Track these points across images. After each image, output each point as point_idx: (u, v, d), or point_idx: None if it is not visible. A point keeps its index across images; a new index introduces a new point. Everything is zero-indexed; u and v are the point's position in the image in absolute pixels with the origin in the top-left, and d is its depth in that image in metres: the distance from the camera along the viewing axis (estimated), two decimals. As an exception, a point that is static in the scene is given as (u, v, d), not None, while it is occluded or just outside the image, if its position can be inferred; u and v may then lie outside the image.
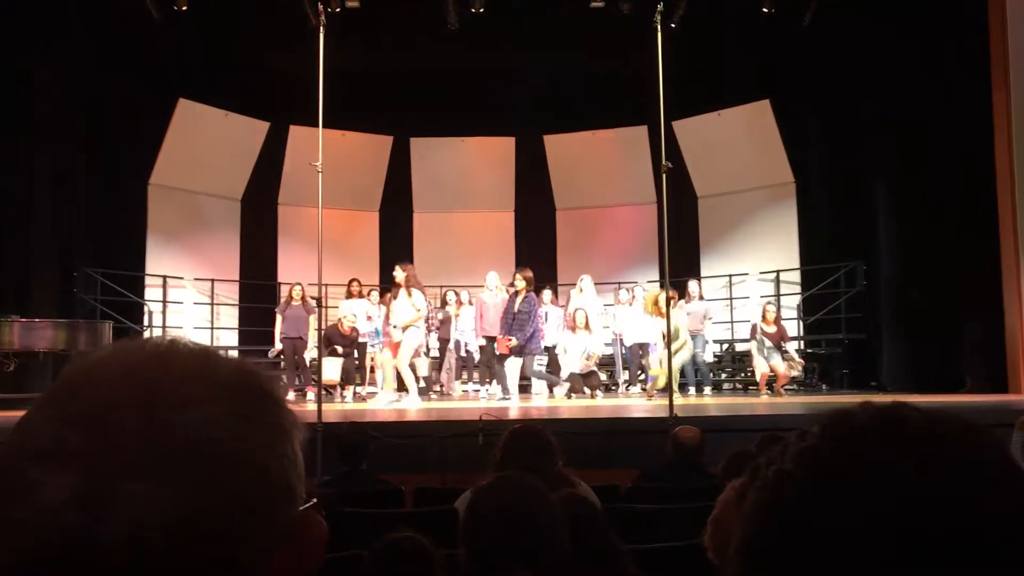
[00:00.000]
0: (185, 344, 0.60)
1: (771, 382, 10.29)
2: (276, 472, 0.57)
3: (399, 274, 9.80)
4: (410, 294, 9.61)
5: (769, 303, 10.72)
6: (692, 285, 11.31)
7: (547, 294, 11.63)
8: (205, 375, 0.58)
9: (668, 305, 7.84)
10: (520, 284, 9.86)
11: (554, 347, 11.05)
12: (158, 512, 0.51)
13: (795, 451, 0.60)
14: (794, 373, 10.08)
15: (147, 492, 0.51)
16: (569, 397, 10.25)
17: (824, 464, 0.58)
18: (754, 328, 10.47)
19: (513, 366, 10.65)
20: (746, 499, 0.62)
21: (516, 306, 9.83)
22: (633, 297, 11.63)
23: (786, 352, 10.24)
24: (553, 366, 10.94)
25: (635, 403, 10.02)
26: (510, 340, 9.67)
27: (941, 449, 0.57)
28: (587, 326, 10.44)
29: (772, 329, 10.21)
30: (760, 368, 10.29)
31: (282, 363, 11.05)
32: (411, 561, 2.38)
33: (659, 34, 7.03)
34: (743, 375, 12.88)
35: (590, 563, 2.05)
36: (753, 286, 13.26)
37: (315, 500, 0.62)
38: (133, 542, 0.51)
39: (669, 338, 8.03)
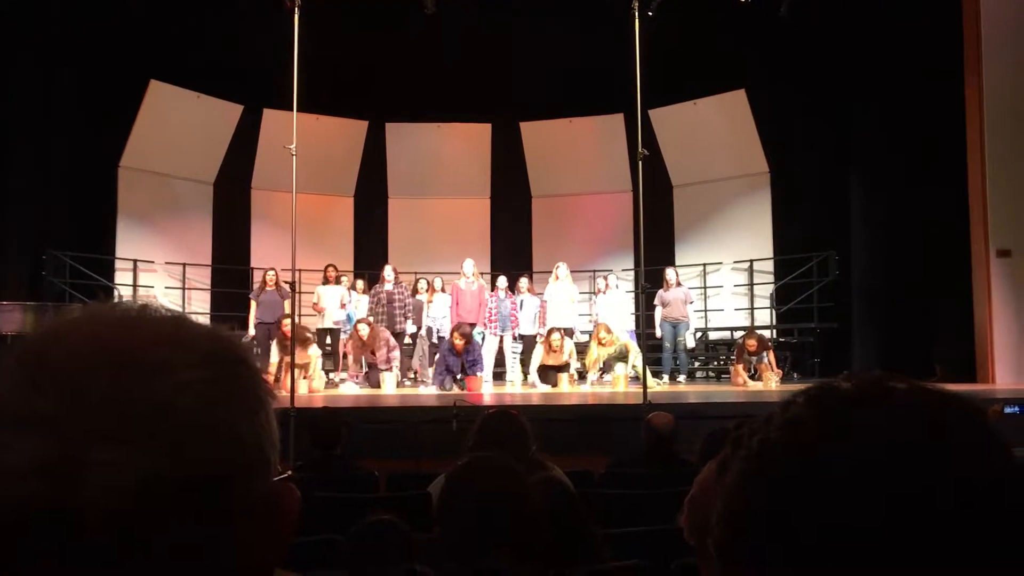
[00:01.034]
0: (157, 308, 0.58)
1: (754, 377, 10.44)
2: (250, 440, 0.56)
3: None
4: None
5: (749, 340, 10.67)
6: (670, 272, 11.35)
7: (523, 282, 11.61)
8: (177, 340, 0.56)
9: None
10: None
11: (534, 336, 11.07)
12: (128, 479, 0.50)
13: (780, 420, 0.59)
14: (772, 384, 10.16)
15: (117, 458, 0.50)
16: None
17: (810, 432, 0.57)
18: (740, 349, 10.54)
19: (489, 350, 10.74)
20: (728, 470, 0.61)
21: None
22: (607, 286, 11.66)
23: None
24: (527, 354, 10.95)
25: (609, 390, 10.07)
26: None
27: (928, 416, 0.56)
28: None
29: (754, 347, 10.32)
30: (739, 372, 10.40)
31: (257, 349, 10.95)
32: (388, 542, 2.37)
33: (636, 21, 7.03)
34: (716, 363, 12.97)
35: (566, 546, 2.05)
36: (727, 275, 13.34)
37: (290, 472, 0.60)
38: (102, 509, 0.49)
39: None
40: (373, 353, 10.02)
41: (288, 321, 9.31)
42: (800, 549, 0.54)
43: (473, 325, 10.73)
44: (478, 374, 9.81)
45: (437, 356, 10.54)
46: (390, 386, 10.00)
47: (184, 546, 0.51)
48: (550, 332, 10.28)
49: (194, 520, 0.52)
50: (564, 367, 10.32)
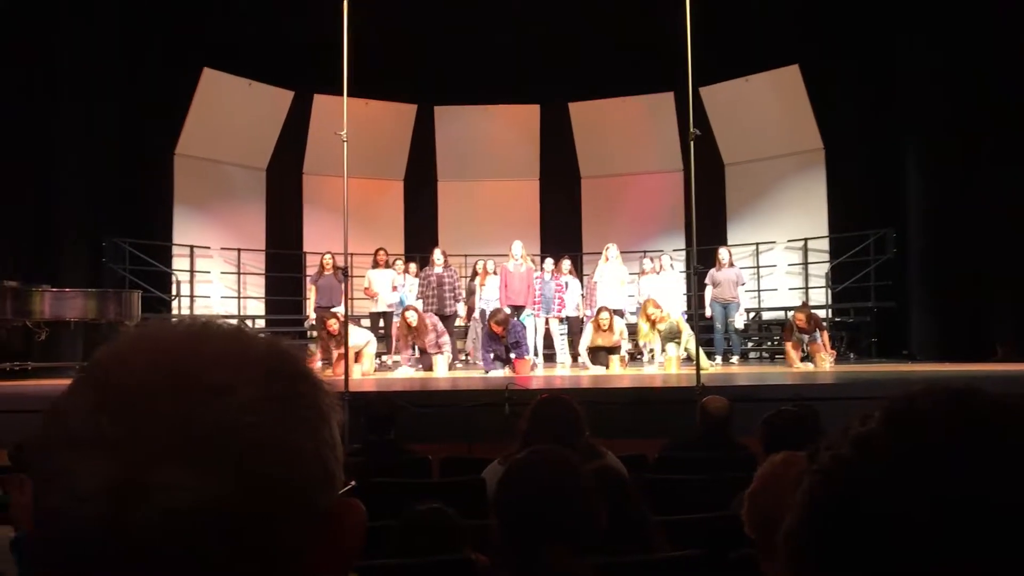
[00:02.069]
0: (218, 325, 0.58)
1: (806, 358, 10.19)
2: (313, 457, 0.55)
3: None
4: None
5: (799, 313, 10.41)
6: (722, 252, 11.18)
7: (565, 264, 11.55)
8: (238, 358, 0.55)
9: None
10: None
11: (579, 318, 11.03)
12: (191, 500, 0.50)
13: (854, 436, 0.58)
14: (826, 364, 9.89)
15: (180, 480, 0.50)
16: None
17: (882, 451, 0.55)
18: (789, 326, 10.29)
19: (532, 332, 10.74)
20: (802, 483, 0.60)
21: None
22: (661, 266, 11.55)
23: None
24: (574, 336, 10.92)
25: (661, 372, 10.00)
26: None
27: (1008, 440, 0.53)
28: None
29: (803, 322, 10.07)
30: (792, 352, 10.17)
31: (314, 333, 11.04)
32: (437, 532, 2.39)
33: (687, -2, 6.91)
34: (770, 344, 12.80)
35: (622, 536, 2.04)
36: (780, 254, 13.14)
37: (353, 484, 0.60)
38: (166, 530, 0.49)
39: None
40: (421, 339, 10.07)
41: (333, 321, 9.39)
42: (865, 569, 0.53)
43: (521, 308, 10.74)
44: (525, 357, 9.78)
45: (480, 341, 10.55)
46: (442, 369, 10.06)
47: (246, 565, 0.51)
48: (599, 311, 10.20)
49: (257, 539, 0.51)
50: (615, 348, 10.26)
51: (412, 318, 9.93)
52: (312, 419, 0.56)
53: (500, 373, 9.47)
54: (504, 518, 1.67)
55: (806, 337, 10.10)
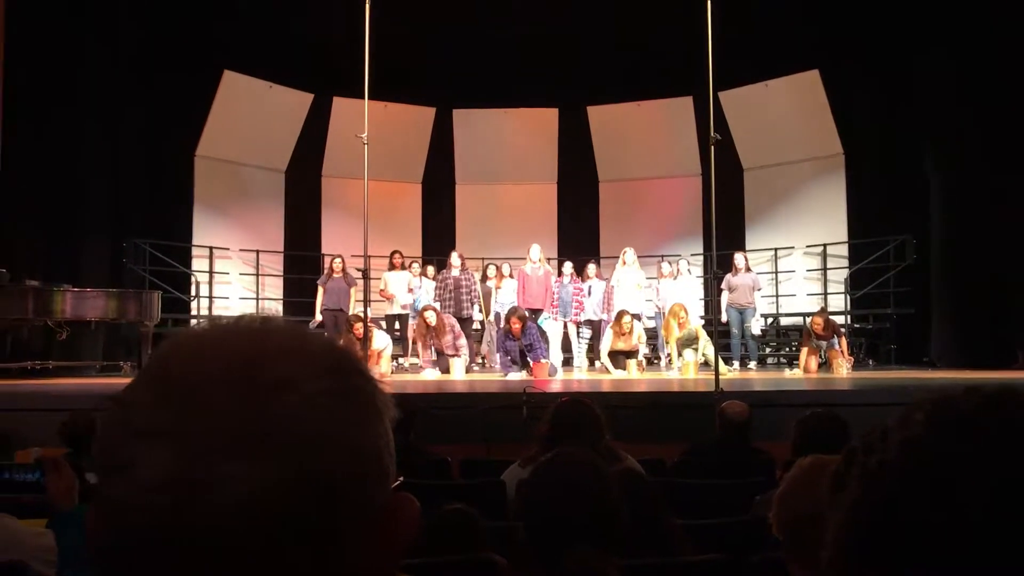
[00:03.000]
0: (278, 322, 0.59)
1: (824, 365, 10.13)
2: (371, 452, 0.56)
3: None
4: None
5: (816, 318, 10.34)
6: (738, 257, 11.15)
7: (591, 268, 11.53)
8: (300, 353, 0.56)
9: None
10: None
11: (599, 321, 11.01)
12: (254, 492, 0.50)
13: (897, 439, 0.58)
14: (843, 371, 9.82)
15: (242, 472, 0.51)
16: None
17: (930, 457, 0.55)
18: (807, 332, 10.24)
19: (552, 335, 10.72)
20: (845, 488, 0.60)
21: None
22: (678, 271, 11.52)
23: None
24: (596, 340, 10.91)
25: (679, 377, 9.97)
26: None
27: None
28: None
29: (820, 327, 10.01)
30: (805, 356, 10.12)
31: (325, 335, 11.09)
32: (462, 533, 2.39)
33: (708, 2, 6.91)
34: (788, 349, 12.74)
35: (645, 539, 2.04)
36: (799, 260, 13.08)
37: (402, 479, 0.61)
38: (226, 523, 0.50)
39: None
40: (439, 339, 10.09)
41: (360, 324, 9.38)
42: (919, 570, 0.53)
43: (539, 311, 10.74)
44: (542, 360, 9.77)
45: (495, 342, 10.54)
46: (459, 372, 10.07)
47: (303, 558, 0.52)
48: (620, 315, 10.18)
49: (314, 532, 0.52)
50: (634, 352, 10.25)
51: (431, 318, 9.95)
52: (369, 415, 0.57)
53: (518, 376, 9.47)
54: (531, 519, 1.67)
55: (824, 343, 10.05)
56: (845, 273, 12.34)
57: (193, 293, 12.31)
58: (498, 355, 10.14)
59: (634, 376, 9.97)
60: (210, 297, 12.55)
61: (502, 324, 11.44)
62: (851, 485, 0.58)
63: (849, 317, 12.13)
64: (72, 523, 1.98)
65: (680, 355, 10.27)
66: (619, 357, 10.22)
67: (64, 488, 2.04)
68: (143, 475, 0.51)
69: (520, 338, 9.67)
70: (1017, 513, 0.51)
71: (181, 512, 0.50)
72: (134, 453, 0.52)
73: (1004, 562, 0.50)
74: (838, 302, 12.43)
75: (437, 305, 10.58)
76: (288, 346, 0.56)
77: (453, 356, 10.12)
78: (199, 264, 12.57)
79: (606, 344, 10.28)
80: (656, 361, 11.51)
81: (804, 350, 10.09)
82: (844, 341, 10.12)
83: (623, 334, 10.11)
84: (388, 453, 0.58)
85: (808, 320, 10.38)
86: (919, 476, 0.55)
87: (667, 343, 10.46)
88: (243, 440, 0.51)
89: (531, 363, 9.65)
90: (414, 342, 11.21)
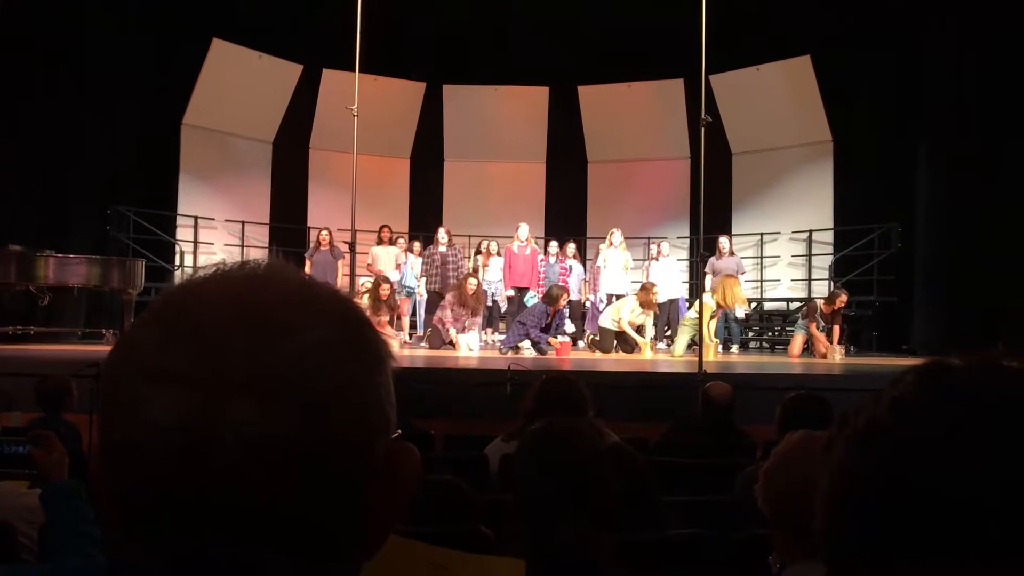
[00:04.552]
0: (283, 269, 0.59)
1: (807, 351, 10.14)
2: (374, 400, 0.56)
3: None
4: None
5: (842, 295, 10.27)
6: (723, 240, 11.18)
7: (570, 247, 11.50)
8: (307, 301, 0.56)
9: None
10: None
11: (580, 302, 11.00)
12: (265, 435, 0.50)
13: (888, 399, 0.57)
14: (837, 357, 9.83)
15: (254, 414, 0.50)
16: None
17: (920, 413, 0.55)
18: (813, 307, 10.20)
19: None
20: (834, 449, 0.60)
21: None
22: (659, 252, 11.50)
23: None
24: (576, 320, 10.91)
25: (663, 359, 10.00)
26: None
27: None
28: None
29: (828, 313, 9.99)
30: (798, 340, 10.10)
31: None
32: (450, 504, 2.40)
33: (703, -17, 6.88)
34: (771, 334, 12.81)
35: (634, 513, 2.05)
36: (784, 245, 13.13)
37: (400, 431, 0.60)
38: (239, 464, 0.50)
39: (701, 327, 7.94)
40: (475, 310, 9.90)
41: (386, 287, 9.55)
42: (910, 533, 0.52)
43: (526, 289, 10.74)
44: (559, 338, 9.67)
45: (531, 317, 10.30)
46: (475, 345, 9.99)
47: (312, 505, 0.52)
48: (649, 287, 9.93)
49: (325, 476, 0.52)
50: (640, 330, 10.11)
51: (473, 284, 9.79)
52: (374, 364, 0.57)
53: (545, 354, 9.34)
54: (522, 490, 1.67)
55: (823, 325, 10.00)
56: (830, 260, 12.40)
57: (177, 263, 12.22)
58: (534, 332, 9.72)
59: (648, 356, 9.80)
60: (194, 267, 12.45)
61: (489, 301, 11.37)
62: (839, 446, 0.58)
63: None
64: (63, 496, 1.96)
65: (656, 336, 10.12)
66: (628, 338, 10.05)
67: (54, 461, 2.02)
68: (154, 417, 0.51)
69: (553, 317, 9.51)
70: (1009, 469, 0.51)
71: (193, 455, 0.50)
72: (144, 394, 0.51)
73: (994, 517, 0.50)
74: (822, 288, 12.48)
75: (423, 283, 10.54)
76: (296, 292, 0.56)
77: (462, 331, 9.98)
78: (183, 233, 12.47)
79: (627, 313, 10.06)
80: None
81: (811, 327, 10.03)
82: (837, 329, 10.13)
83: (649, 304, 9.90)
84: (389, 403, 0.58)
85: (821, 302, 10.20)
86: (908, 434, 0.54)
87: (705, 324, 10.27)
88: (251, 382, 0.51)
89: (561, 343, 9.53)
90: (398, 316, 11.18)
